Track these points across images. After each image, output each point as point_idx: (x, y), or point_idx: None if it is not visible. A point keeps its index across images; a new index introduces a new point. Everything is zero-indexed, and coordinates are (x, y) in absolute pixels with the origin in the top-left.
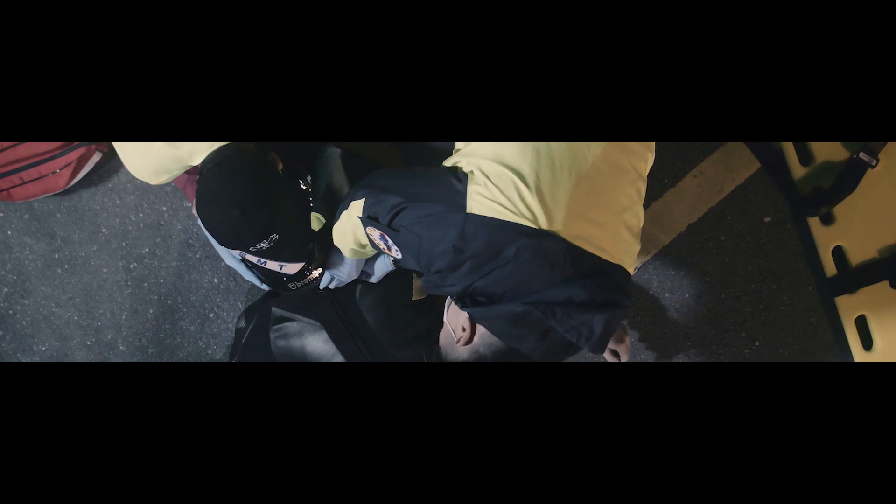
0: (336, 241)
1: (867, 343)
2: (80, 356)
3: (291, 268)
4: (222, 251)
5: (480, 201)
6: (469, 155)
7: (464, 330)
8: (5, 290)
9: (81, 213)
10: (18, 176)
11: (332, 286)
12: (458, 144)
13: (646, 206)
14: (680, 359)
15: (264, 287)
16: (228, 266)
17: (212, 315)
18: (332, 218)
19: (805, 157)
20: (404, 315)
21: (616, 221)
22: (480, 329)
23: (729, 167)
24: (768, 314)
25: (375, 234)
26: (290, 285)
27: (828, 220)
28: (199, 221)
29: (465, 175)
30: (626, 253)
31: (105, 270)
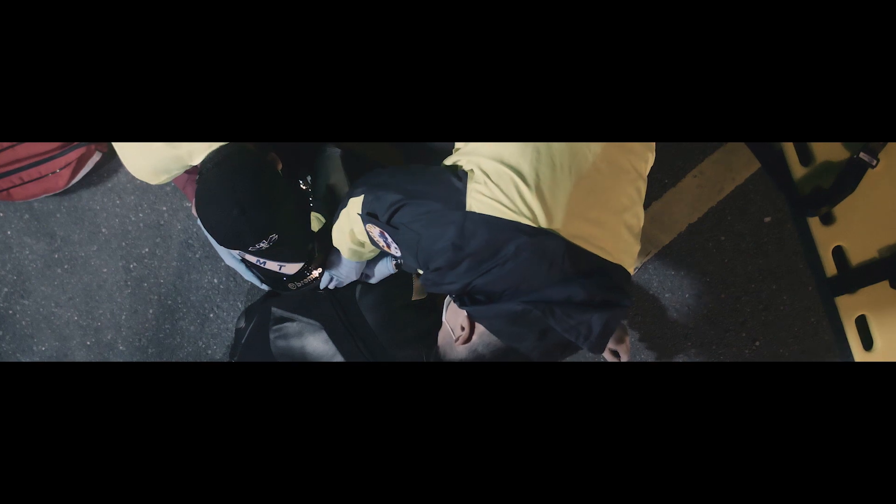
0: (335, 242)
1: (867, 343)
2: (79, 356)
3: (291, 268)
4: (222, 251)
5: (480, 199)
6: (469, 153)
7: (462, 329)
8: (5, 290)
9: (81, 213)
10: (18, 176)
11: (331, 286)
12: (457, 144)
13: (646, 206)
14: (680, 359)
15: (264, 287)
16: (228, 266)
17: (212, 315)
18: (332, 218)
19: (805, 157)
20: (404, 315)
21: (616, 221)
22: (479, 328)
23: (729, 167)
24: (768, 314)
25: (375, 231)
26: (289, 285)
27: (828, 220)
28: (199, 221)
29: (465, 173)
30: (625, 253)
31: (105, 270)
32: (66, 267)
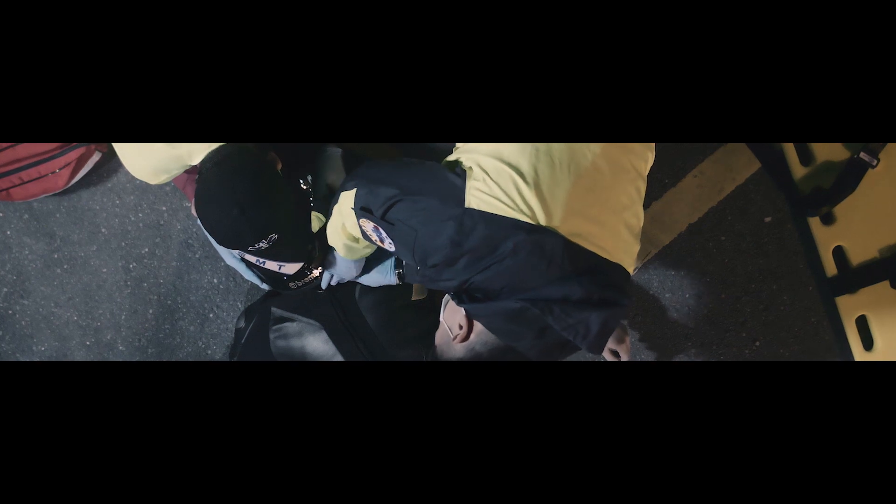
0: (330, 240)
1: (868, 343)
2: (79, 356)
3: (290, 268)
4: (222, 251)
5: (479, 196)
6: (468, 151)
7: (460, 327)
8: (5, 290)
9: (81, 213)
10: (18, 176)
11: (333, 283)
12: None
13: (646, 205)
14: (680, 359)
15: (265, 287)
16: (228, 266)
17: (211, 315)
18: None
19: (805, 157)
20: (404, 315)
21: (615, 220)
22: (477, 327)
23: (729, 167)
24: (769, 314)
25: (369, 226)
26: (290, 284)
27: (828, 220)
28: (199, 221)
29: (464, 170)
30: (625, 252)
31: (104, 270)
32: (65, 267)
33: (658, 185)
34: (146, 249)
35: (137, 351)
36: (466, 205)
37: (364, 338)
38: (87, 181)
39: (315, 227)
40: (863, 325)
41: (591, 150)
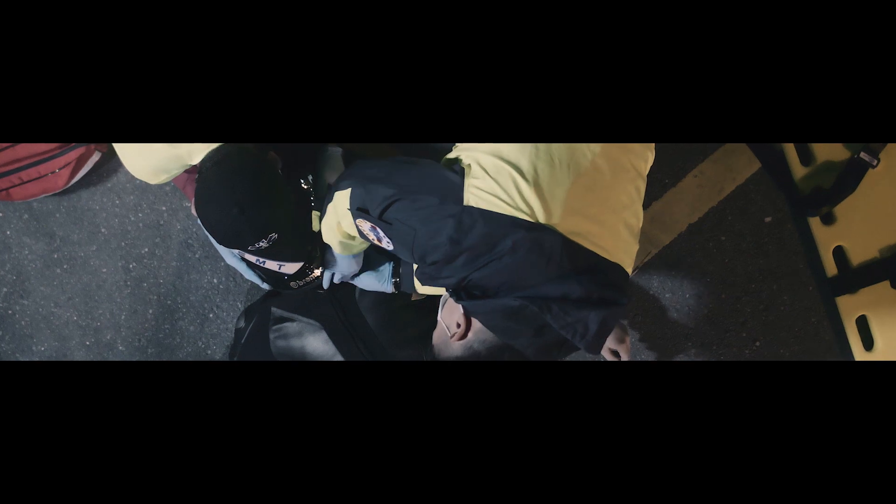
0: (325, 237)
1: (868, 343)
2: (79, 356)
3: (290, 267)
4: (223, 250)
5: (478, 194)
6: (467, 149)
7: (458, 326)
8: (4, 290)
9: (80, 213)
10: (17, 176)
11: (336, 280)
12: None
13: (646, 205)
14: (680, 359)
15: (265, 286)
16: (228, 266)
17: (211, 315)
18: None
19: (806, 157)
20: (404, 315)
21: (615, 220)
22: (475, 325)
23: (729, 167)
24: (769, 314)
25: (366, 226)
26: (291, 284)
27: (828, 220)
28: (199, 221)
29: (462, 168)
30: (624, 252)
31: (104, 270)
32: (65, 267)
33: (658, 185)
34: (146, 249)
35: (137, 351)
36: (465, 202)
37: (364, 338)
38: (86, 181)
39: (315, 226)
40: (863, 325)
41: (590, 150)
